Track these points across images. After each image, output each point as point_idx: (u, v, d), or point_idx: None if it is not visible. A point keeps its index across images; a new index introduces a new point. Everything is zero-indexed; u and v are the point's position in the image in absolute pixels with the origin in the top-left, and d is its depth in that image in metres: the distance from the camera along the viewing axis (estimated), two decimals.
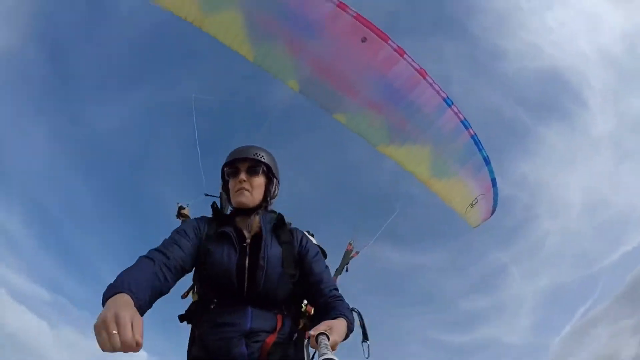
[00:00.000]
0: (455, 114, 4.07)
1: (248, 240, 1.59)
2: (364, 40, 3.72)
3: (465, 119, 4.13)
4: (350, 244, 3.94)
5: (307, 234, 2.93)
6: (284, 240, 1.62)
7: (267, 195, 1.70)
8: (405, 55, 3.75)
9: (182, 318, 1.63)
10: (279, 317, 1.53)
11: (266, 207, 1.75)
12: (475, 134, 4.21)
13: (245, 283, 1.49)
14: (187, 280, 1.68)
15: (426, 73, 3.89)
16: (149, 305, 1.27)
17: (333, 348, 1.18)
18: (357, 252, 3.92)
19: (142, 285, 1.23)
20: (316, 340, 1.18)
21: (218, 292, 1.52)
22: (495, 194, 4.53)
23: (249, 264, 1.52)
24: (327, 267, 1.70)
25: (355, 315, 1.69)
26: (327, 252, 2.05)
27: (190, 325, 1.62)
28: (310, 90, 3.81)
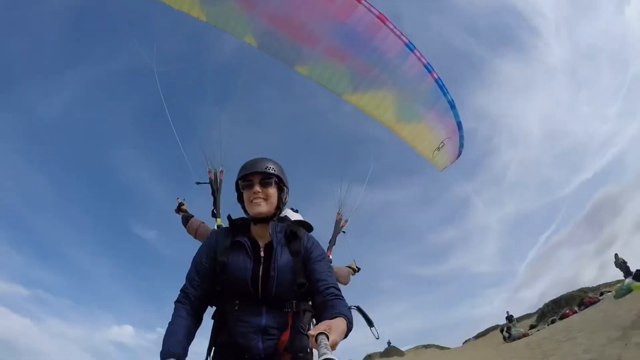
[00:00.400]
0: (418, 58, 4.11)
1: (262, 249, 1.80)
2: None
3: (428, 63, 4.18)
4: (338, 213, 3.98)
5: (291, 210, 2.96)
6: (294, 250, 1.79)
7: (280, 203, 1.87)
8: (363, 1, 3.76)
9: (214, 316, 1.87)
10: (290, 315, 1.74)
11: (279, 215, 1.97)
12: (439, 77, 4.28)
13: (260, 289, 1.71)
14: None
15: (386, 19, 3.90)
16: (189, 344, 1.68)
17: (333, 348, 1.20)
18: (347, 221, 3.96)
19: (180, 341, 1.63)
20: (316, 340, 1.20)
21: (238, 295, 1.74)
22: (461, 137, 4.68)
23: (262, 272, 1.73)
24: (330, 267, 1.83)
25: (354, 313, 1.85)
26: (313, 224, 2.20)
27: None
28: (269, 44, 3.80)
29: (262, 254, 1.77)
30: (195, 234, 3.11)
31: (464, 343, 29.20)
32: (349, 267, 3.79)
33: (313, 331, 1.26)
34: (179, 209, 3.50)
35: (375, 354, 33.30)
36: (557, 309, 21.81)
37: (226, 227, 1.94)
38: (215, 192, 3.47)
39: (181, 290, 1.79)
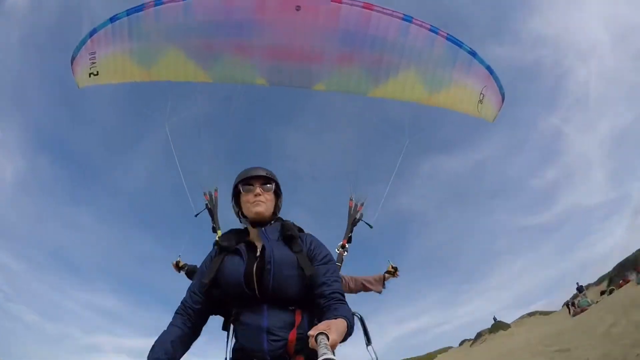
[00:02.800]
0: (420, 26, 3.91)
1: (259, 250, 1.73)
2: (298, 8, 3.62)
3: (431, 25, 3.97)
4: (351, 199, 3.72)
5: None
6: (296, 250, 1.72)
7: (276, 209, 1.92)
8: (343, 1, 3.63)
9: (223, 327, 1.83)
10: (298, 312, 1.64)
11: (275, 220, 1.93)
12: (448, 34, 4.04)
13: (256, 287, 1.62)
14: None
15: (372, 5, 3.76)
16: (181, 353, 1.70)
17: (332, 347, 1.18)
18: (362, 204, 3.70)
19: (168, 350, 1.63)
20: (316, 340, 1.19)
21: (237, 299, 1.67)
22: (497, 80, 4.35)
23: (256, 269, 1.64)
24: (336, 270, 1.76)
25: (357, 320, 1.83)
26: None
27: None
28: (278, 78, 3.75)
29: (257, 253, 1.73)
30: None
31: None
32: (386, 272, 3.67)
33: (313, 331, 1.25)
34: (178, 268, 3.75)
35: (484, 330, 31.91)
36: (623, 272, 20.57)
37: (226, 234, 1.96)
38: (213, 209, 3.74)
39: (181, 302, 1.80)
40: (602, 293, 19.33)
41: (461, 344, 34.39)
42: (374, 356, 1.79)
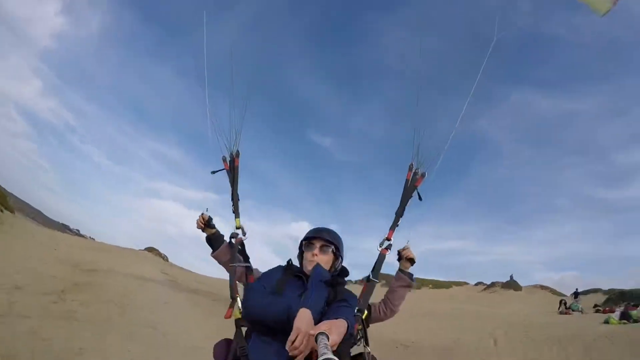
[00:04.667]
0: None
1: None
2: None
3: None
4: (410, 167, 2.36)
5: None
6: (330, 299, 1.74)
7: (332, 269, 2.01)
8: None
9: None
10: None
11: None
12: None
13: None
14: None
15: None
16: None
17: (332, 348, 1.19)
18: (424, 175, 2.34)
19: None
20: (316, 340, 1.20)
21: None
22: None
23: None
24: (354, 302, 1.82)
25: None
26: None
27: None
28: None
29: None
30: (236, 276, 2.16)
31: None
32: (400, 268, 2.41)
33: (313, 331, 1.26)
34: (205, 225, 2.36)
35: (497, 282, 33.83)
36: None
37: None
38: (233, 184, 2.48)
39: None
40: (595, 306, 19.40)
41: (477, 284, 36.15)
42: (368, 357, 1.78)
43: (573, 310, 17.73)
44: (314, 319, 1.49)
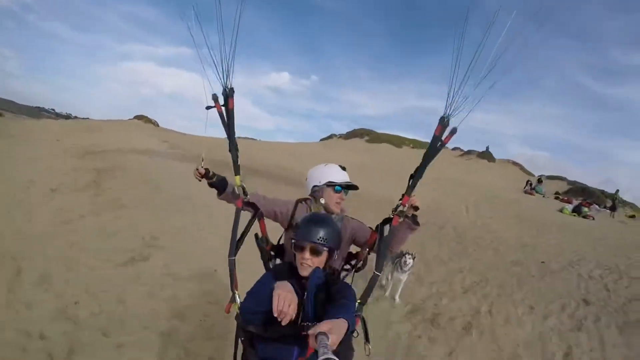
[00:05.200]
0: None
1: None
2: None
3: None
4: (442, 121, 1.79)
5: (339, 167, 2.32)
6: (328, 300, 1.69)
7: (326, 266, 1.85)
8: None
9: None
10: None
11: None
12: None
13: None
14: None
15: None
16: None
17: (332, 347, 1.20)
18: (454, 132, 1.81)
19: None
20: (316, 340, 1.21)
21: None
22: None
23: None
24: (353, 297, 1.75)
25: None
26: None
27: None
28: None
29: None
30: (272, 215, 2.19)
31: None
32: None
33: (313, 330, 1.27)
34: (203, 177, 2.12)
35: (474, 151, 35.98)
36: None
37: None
38: (230, 135, 2.02)
39: None
40: (556, 193, 21.68)
41: (454, 149, 37.26)
42: (367, 352, 1.79)
43: (537, 193, 20.14)
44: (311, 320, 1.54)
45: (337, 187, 2.16)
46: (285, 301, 1.47)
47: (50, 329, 3.28)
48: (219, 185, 2.08)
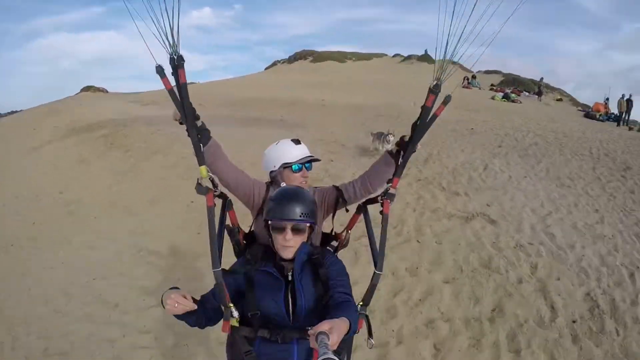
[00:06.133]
0: None
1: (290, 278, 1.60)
2: None
3: None
4: (433, 86, 1.53)
5: (292, 142, 2.09)
6: (319, 278, 1.60)
7: (308, 241, 1.71)
8: None
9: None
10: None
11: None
12: None
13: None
14: None
15: None
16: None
17: (333, 347, 1.17)
18: (447, 102, 1.56)
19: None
20: (316, 340, 1.18)
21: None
22: None
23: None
24: (347, 276, 1.69)
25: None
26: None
27: None
28: None
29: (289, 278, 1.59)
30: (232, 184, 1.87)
31: None
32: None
33: (313, 330, 1.21)
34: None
35: (414, 55, 36.53)
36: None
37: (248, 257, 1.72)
38: (186, 115, 1.53)
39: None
40: (492, 85, 24.70)
41: (394, 56, 37.26)
42: (369, 345, 1.74)
43: (473, 86, 22.79)
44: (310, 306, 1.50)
45: (294, 167, 1.92)
46: (172, 307, 1.36)
47: None
48: (203, 134, 1.63)
